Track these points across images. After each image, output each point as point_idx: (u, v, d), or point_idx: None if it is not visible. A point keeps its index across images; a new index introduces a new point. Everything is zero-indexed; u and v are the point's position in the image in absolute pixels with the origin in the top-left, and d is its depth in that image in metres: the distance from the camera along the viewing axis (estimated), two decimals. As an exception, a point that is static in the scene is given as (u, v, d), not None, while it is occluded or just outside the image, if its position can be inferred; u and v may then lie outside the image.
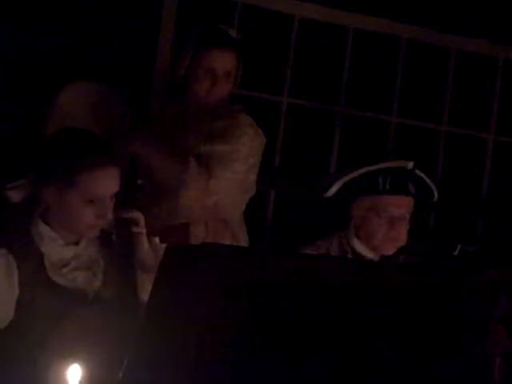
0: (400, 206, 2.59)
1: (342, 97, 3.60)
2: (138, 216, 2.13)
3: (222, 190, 2.57)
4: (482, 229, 3.79)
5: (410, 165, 2.58)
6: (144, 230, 2.14)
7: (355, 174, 2.58)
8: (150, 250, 2.15)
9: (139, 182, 2.48)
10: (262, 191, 3.37)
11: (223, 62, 2.61)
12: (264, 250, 2.58)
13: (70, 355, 1.69)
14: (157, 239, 2.19)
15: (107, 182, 2.04)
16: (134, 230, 2.12)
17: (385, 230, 2.58)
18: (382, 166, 2.59)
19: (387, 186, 2.56)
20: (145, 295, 2.09)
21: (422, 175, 2.63)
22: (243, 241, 2.72)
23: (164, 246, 2.15)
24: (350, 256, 2.63)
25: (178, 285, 1.42)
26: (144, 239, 2.15)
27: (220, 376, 1.49)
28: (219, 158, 2.55)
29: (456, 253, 2.60)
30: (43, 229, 2.04)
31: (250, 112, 2.82)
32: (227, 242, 2.62)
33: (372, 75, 3.65)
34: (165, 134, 2.65)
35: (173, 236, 2.46)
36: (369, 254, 2.63)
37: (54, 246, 2.04)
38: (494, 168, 3.83)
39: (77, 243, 2.08)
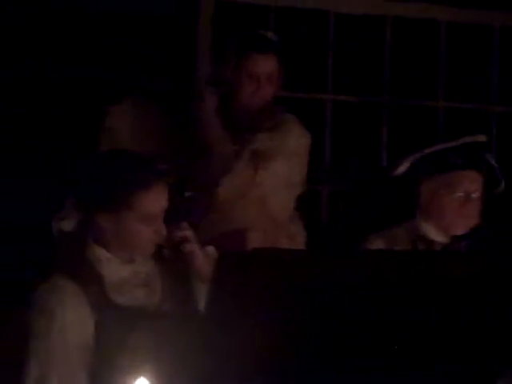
0: (472, 182, 2.52)
1: (386, 87, 3.56)
2: (189, 233, 2.14)
3: (268, 183, 2.62)
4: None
5: (482, 137, 2.54)
6: (196, 246, 2.16)
7: (425, 152, 2.53)
8: (205, 261, 2.16)
9: (187, 194, 2.51)
10: (315, 190, 3.36)
11: (265, 65, 2.66)
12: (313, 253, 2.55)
13: (136, 371, 1.72)
14: (212, 248, 2.20)
15: (160, 199, 2.06)
16: (187, 248, 2.13)
17: (456, 207, 2.51)
18: (452, 144, 2.53)
19: (459, 161, 2.49)
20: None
21: (492, 161, 2.56)
22: (301, 241, 2.72)
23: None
24: (420, 245, 2.55)
25: (229, 292, 1.42)
26: (198, 253, 2.16)
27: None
28: (265, 153, 2.60)
29: None
30: (100, 252, 2.07)
31: (296, 113, 2.83)
32: (284, 245, 2.62)
33: (414, 62, 3.60)
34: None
35: (229, 243, 2.47)
36: (438, 237, 2.55)
37: (111, 266, 2.06)
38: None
39: (132, 260, 2.10)
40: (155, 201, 2.06)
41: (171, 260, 2.16)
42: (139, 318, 2.03)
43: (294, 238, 2.71)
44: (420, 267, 1.54)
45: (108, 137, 2.55)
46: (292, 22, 3.46)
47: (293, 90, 3.39)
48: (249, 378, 1.45)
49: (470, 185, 2.52)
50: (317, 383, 1.49)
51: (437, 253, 2.32)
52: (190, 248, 2.13)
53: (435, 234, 2.56)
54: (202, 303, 2.07)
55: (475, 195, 2.53)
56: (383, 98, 3.57)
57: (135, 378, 1.65)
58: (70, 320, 1.95)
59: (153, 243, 2.08)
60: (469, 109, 3.65)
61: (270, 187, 2.63)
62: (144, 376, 1.66)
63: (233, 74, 2.66)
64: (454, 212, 2.51)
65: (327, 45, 3.51)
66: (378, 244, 2.58)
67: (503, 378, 1.60)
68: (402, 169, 2.54)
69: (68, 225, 2.08)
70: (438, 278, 1.52)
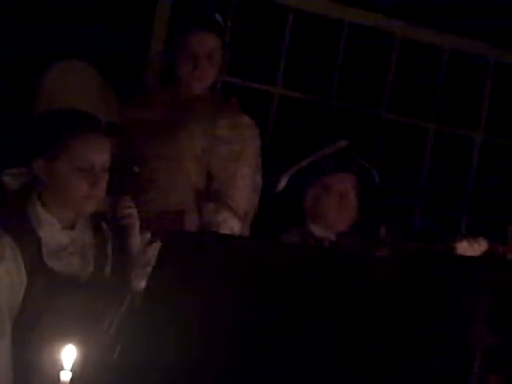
0: (344, 182, 2.88)
1: (335, 91, 3.62)
2: (132, 210, 2.15)
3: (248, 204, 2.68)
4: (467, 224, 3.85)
5: (344, 143, 2.91)
6: (137, 222, 2.17)
7: (299, 165, 2.87)
8: (140, 244, 2.18)
9: (136, 169, 2.49)
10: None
11: (204, 44, 2.63)
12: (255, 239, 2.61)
13: (64, 337, 1.71)
14: (148, 235, 2.23)
15: (96, 149, 2.06)
16: (128, 221, 2.14)
17: (335, 206, 2.85)
18: (322, 153, 2.88)
19: (330, 167, 2.86)
20: (136, 282, 2.12)
21: (361, 159, 2.94)
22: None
23: (156, 244, 2.18)
24: (311, 243, 2.84)
25: (178, 271, 1.44)
26: (136, 232, 2.18)
27: (217, 357, 1.52)
28: (224, 154, 2.63)
29: None
30: (40, 211, 2.05)
31: (243, 101, 2.84)
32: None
33: (364, 69, 3.67)
34: (150, 121, 2.66)
35: (168, 225, 2.48)
36: (326, 234, 2.87)
37: (51, 232, 2.05)
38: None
39: (72, 227, 2.09)
40: (91, 149, 2.05)
41: (109, 232, 2.16)
42: (70, 285, 2.02)
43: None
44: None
45: (43, 91, 2.50)
46: (252, 13, 3.46)
47: (244, 78, 3.41)
48: (185, 349, 1.48)
49: (343, 185, 2.88)
50: (246, 354, 1.54)
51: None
52: (129, 222, 2.13)
53: (323, 233, 2.88)
54: (135, 281, 2.08)
55: (350, 194, 2.89)
56: (332, 100, 3.63)
57: (63, 345, 1.64)
58: (2, 285, 1.93)
59: (90, 198, 2.06)
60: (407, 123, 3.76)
61: (251, 206, 2.69)
62: (72, 343, 1.65)
63: (174, 51, 2.64)
64: (333, 211, 2.86)
65: (283, 40, 3.53)
66: (294, 235, 2.87)
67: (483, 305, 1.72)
68: (282, 184, 2.87)
69: (15, 183, 2.05)
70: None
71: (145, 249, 2.23)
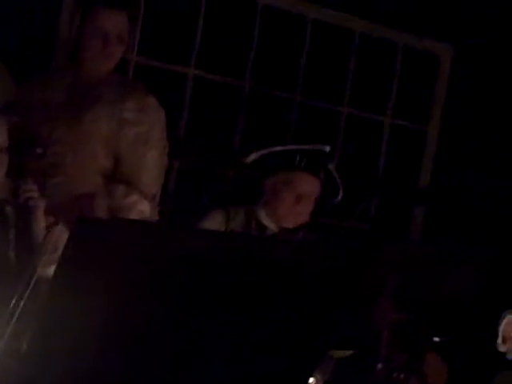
0: (310, 184, 2.79)
1: (248, 71, 3.64)
2: (34, 189, 2.10)
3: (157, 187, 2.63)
4: (376, 207, 3.95)
5: (327, 148, 2.79)
6: (40, 204, 2.12)
7: (275, 149, 2.77)
8: (44, 228, 2.15)
9: (38, 150, 2.41)
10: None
11: (113, 22, 2.55)
12: (168, 225, 2.62)
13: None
14: (52, 219, 2.19)
15: None
16: (30, 203, 2.09)
17: (291, 204, 2.77)
18: (302, 147, 2.79)
19: (302, 164, 2.75)
20: (43, 268, 2.09)
21: (334, 173, 2.84)
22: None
23: (62, 229, 2.15)
24: (253, 228, 2.80)
25: (85, 257, 1.44)
26: (40, 215, 2.13)
27: (124, 344, 1.52)
28: (138, 160, 2.59)
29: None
30: None
31: (155, 82, 2.81)
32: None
33: (279, 53, 3.70)
34: (53, 103, 2.58)
35: (77, 209, 2.44)
36: (271, 226, 2.81)
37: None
38: (389, 149, 3.99)
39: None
40: None
41: (13, 217, 2.11)
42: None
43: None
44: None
45: None
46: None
47: (156, 59, 3.38)
48: (92, 337, 1.47)
49: (307, 187, 2.79)
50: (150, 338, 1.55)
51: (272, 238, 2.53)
52: (32, 206, 2.09)
53: (269, 222, 2.82)
54: (40, 266, 2.05)
55: (310, 196, 2.80)
56: (245, 82, 3.64)
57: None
58: None
59: None
60: (321, 108, 3.82)
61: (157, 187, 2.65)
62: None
63: (78, 31, 2.54)
64: (287, 207, 2.78)
65: (197, 18, 3.51)
66: (216, 218, 2.81)
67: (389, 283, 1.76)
68: (253, 157, 2.77)
69: None
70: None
71: (50, 234, 2.19)
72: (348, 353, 1.86)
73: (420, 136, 4.06)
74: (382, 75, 3.93)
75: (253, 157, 2.77)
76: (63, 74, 2.69)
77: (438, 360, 1.92)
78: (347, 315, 1.77)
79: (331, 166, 2.84)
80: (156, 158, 2.65)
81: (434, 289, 1.89)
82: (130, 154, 2.60)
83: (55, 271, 1.47)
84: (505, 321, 2.71)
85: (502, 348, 2.72)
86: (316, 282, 1.71)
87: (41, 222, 2.15)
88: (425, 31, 3.87)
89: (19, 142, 2.14)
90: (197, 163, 3.58)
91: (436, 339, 1.96)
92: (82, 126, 2.56)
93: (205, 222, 2.79)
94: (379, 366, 1.78)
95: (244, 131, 3.66)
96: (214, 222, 2.79)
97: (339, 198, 2.87)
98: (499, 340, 2.71)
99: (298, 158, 2.75)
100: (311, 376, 1.77)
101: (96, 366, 1.48)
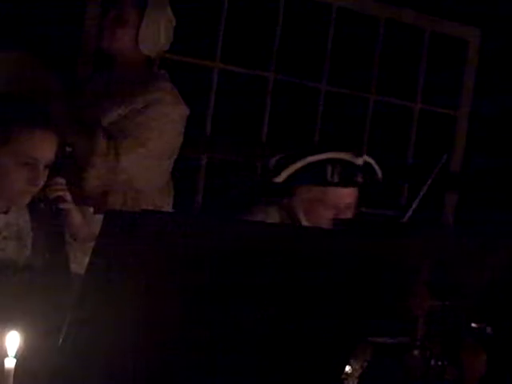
0: (347, 197, 2.54)
1: (273, 62, 3.61)
2: (64, 192, 2.10)
3: (133, 167, 2.51)
4: (407, 195, 3.91)
5: (360, 161, 2.52)
6: (71, 205, 2.12)
7: (303, 162, 2.50)
8: (82, 221, 2.15)
9: (68, 148, 2.42)
10: (195, 158, 3.37)
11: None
12: (202, 217, 2.58)
13: (5, 324, 1.68)
14: (91, 209, 2.19)
15: (44, 146, 2.00)
16: (61, 206, 2.10)
17: (330, 217, 2.50)
18: (331, 155, 2.51)
19: (335, 178, 2.50)
20: (76, 266, 2.10)
21: (371, 161, 2.58)
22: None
23: (99, 216, 2.15)
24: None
25: (117, 252, 1.43)
26: (74, 213, 2.14)
27: (159, 341, 1.51)
28: (131, 128, 2.50)
29: None
30: None
31: (182, 77, 2.80)
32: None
33: (304, 41, 3.68)
34: (87, 106, 2.61)
35: (88, 203, 2.43)
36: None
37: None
38: (419, 136, 3.95)
39: (6, 212, 2.04)
40: (38, 145, 1.98)
41: (47, 215, 2.12)
42: (6, 270, 1.98)
43: (161, 208, 2.68)
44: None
45: None
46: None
47: (182, 54, 3.37)
48: (124, 336, 1.47)
49: (345, 200, 2.53)
50: (191, 338, 1.54)
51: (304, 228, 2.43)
52: (64, 206, 2.10)
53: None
54: (74, 264, 2.06)
55: (349, 207, 2.55)
56: (269, 73, 3.62)
57: (6, 332, 1.61)
58: None
59: (26, 193, 2.02)
60: (346, 94, 3.78)
61: (136, 170, 2.52)
62: (15, 330, 1.62)
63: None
64: (327, 220, 2.48)
65: (220, 10, 3.49)
66: (270, 213, 2.59)
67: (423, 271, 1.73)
68: (283, 176, 2.51)
69: None
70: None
71: (89, 224, 2.20)
72: (385, 340, 1.84)
73: (450, 121, 4.01)
74: (409, 61, 3.89)
75: (284, 175, 2.50)
76: (92, 80, 2.77)
77: (476, 347, 1.89)
78: (383, 302, 1.75)
79: (368, 158, 2.57)
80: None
81: (471, 275, 1.86)
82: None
83: (87, 268, 1.46)
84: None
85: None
86: (353, 271, 1.69)
87: (75, 219, 2.14)
88: (452, 16, 3.81)
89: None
90: (225, 157, 3.57)
91: (474, 325, 1.92)
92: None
93: (257, 216, 2.55)
94: (416, 353, 1.76)
95: (271, 123, 3.64)
96: (268, 218, 2.54)
97: (379, 179, 2.59)
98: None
99: (329, 171, 2.49)
100: (348, 364, 1.75)
101: (132, 365, 1.47)
